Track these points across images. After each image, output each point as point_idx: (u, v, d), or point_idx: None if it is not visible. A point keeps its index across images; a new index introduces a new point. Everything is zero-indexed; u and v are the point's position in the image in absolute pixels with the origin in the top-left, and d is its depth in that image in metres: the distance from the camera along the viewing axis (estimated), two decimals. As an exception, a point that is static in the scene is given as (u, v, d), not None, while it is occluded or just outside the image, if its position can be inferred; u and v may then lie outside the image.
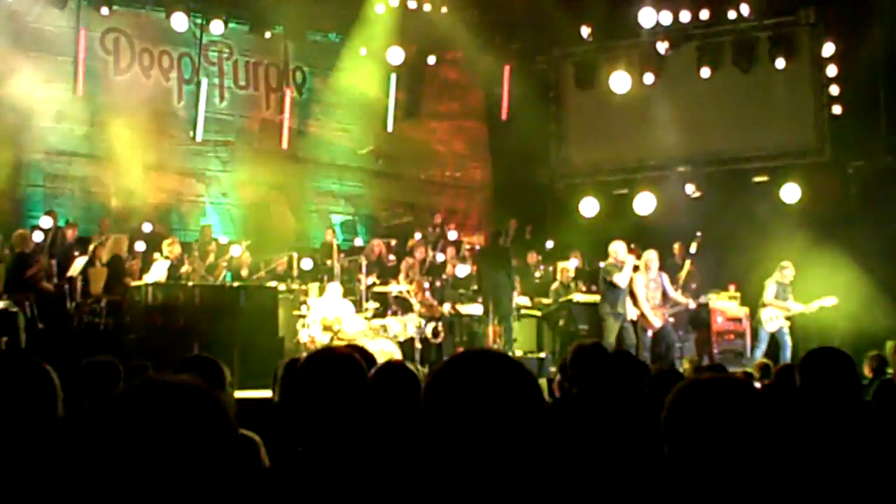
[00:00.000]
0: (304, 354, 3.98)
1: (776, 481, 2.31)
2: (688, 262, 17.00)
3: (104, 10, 18.30)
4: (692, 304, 15.82)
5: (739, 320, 17.25)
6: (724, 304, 17.36)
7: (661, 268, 15.51)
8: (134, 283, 15.26)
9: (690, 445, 2.36)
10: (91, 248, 16.25)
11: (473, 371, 2.28)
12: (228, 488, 1.95)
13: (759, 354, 15.39)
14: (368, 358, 4.78)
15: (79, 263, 15.77)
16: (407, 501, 2.65)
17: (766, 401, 2.40)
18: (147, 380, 1.99)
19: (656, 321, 15.10)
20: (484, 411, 2.21)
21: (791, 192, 17.77)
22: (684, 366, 14.05)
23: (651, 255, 15.26)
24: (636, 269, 15.10)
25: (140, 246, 16.89)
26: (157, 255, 16.07)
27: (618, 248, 15.01)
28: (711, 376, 2.53)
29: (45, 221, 16.60)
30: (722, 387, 2.43)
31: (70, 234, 17.01)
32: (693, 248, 17.28)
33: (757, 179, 19.64)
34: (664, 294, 15.28)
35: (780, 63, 19.15)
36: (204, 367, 4.88)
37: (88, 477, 1.91)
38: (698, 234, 17.29)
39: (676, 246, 17.86)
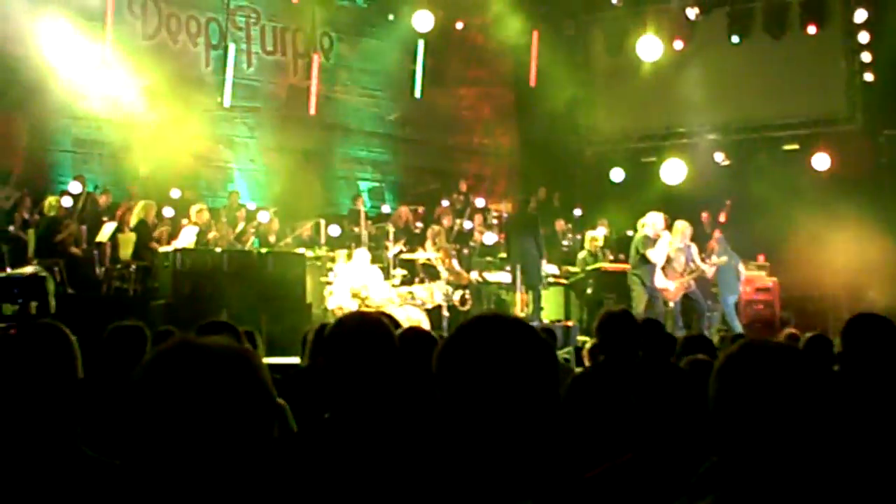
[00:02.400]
0: (333, 320, 3.96)
1: (825, 451, 2.26)
2: (716, 231, 16.89)
3: (133, -25, 18.32)
4: (708, 272, 15.56)
5: (768, 289, 17.16)
6: (753, 274, 17.26)
7: (691, 238, 15.34)
8: (162, 249, 15.31)
9: (739, 412, 2.31)
10: (119, 213, 16.31)
11: (485, 336, 2.24)
12: (265, 453, 1.93)
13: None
14: (396, 325, 4.77)
15: (108, 229, 15.83)
16: (428, 467, 2.63)
17: (814, 368, 2.35)
18: (180, 342, 1.97)
19: (670, 286, 14.87)
20: (495, 376, 2.17)
21: (822, 160, 17.64)
22: (712, 336, 14.01)
23: (681, 225, 15.07)
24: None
25: (168, 212, 16.92)
26: (185, 220, 16.12)
27: (655, 221, 14.76)
28: (762, 341, 2.48)
29: (74, 187, 16.64)
30: (774, 352, 2.38)
31: (101, 200, 17.07)
32: (722, 217, 17.17)
33: (787, 147, 19.50)
34: (689, 263, 15.09)
35: (812, 30, 18.96)
36: (229, 334, 4.86)
37: (125, 438, 1.90)
38: (727, 202, 17.18)
39: (704, 215, 17.75)
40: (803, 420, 2.26)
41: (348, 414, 3.20)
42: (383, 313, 5.86)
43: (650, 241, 14.65)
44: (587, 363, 8.22)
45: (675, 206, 16.24)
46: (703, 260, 15.41)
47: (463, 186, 21.17)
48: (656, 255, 14.58)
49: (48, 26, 16.99)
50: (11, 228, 15.69)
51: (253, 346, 6.31)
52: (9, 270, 13.99)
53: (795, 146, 19.28)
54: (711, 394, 2.35)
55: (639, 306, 14.29)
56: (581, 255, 17.49)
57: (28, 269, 13.70)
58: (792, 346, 2.52)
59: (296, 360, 8.24)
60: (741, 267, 16.07)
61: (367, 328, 3.36)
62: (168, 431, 1.85)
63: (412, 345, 4.17)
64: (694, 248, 15.21)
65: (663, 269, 14.84)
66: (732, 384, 2.34)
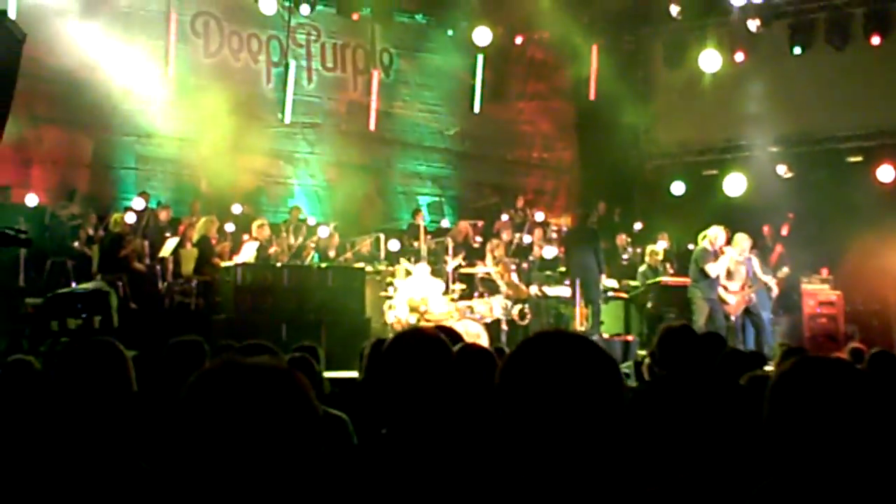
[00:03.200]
0: (391, 335, 3.98)
1: (880, 470, 2.22)
2: (778, 245, 16.71)
3: (194, -6, 18.56)
4: (772, 283, 15.35)
5: (832, 303, 16.94)
6: (816, 288, 17.05)
7: (752, 251, 15.15)
8: (224, 264, 15.44)
9: (793, 426, 2.27)
10: (181, 229, 16.48)
11: (549, 353, 2.24)
12: (311, 468, 1.94)
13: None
14: (456, 339, 4.76)
15: (170, 244, 16.01)
16: (487, 483, 2.61)
17: (873, 385, 2.31)
18: (225, 362, 1.99)
19: (731, 300, 14.71)
20: (559, 393, 2.17)
21: (886, 173, 17.37)
22: (774, 350, 13.83)
23: (740, 238, 14.89)
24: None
25: (229, 227, 17.07)
26: (246, 236, 16.26)
27: (718, 234, 14.64)
28: (818, 356, 2.44)
29: (138, 203, 16.85)
30: (829, 368, 2.34)
31: (163, 215, 17.26)
32: (784, 231, 16.98)
33: (851, 160, 19.24)
34: (751, 277, 14.89)
35: (876, 40, 18.71)
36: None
37: (169, 453, 1.92)
38: (790, 215, 16.98)
39: (766, 228, 17.57)
40: (859, 439, 2.22)
41: (405, 429, 3.20)
42: (443, 327, 5.86)
43: (710, 255, 14.51)
44: (646, 378, 8.16)
45: (736, 219, 16.06)
46: (765, 273, 15.23)
47: (520, 202, 21.13)
48: (715, 269, 14.43)
49: (112, 46, 17.23)
50: (76, 245, 15.91)
51: (315, 361, 6.35)
52: (73, 285, 14.19)
53: (859, 158, 19.02)
54: (766, 411, 2.32)
55: (699, 320, 14.15)
56: (641, 268, 17.39)
57: (92, 285, 13.87)
58: (848, 362, 2.49)
59: (354, 374, 8.27)
60: (772, 283, 15.75)
61: (425, 344, 3.36)
62: (212, 448, 1.87)
63: (468, 361, 4.16)
64: (756, 261, 15.02)
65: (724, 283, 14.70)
66: (786, 402, 2.31)
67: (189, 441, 1.90)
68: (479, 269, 16.26)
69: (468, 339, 5.50)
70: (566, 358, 2.21)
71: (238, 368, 1.96)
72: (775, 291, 15.63)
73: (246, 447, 1.87)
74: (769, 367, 6.20)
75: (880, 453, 2.23)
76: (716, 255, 14.51)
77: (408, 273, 15.42)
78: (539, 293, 16.68)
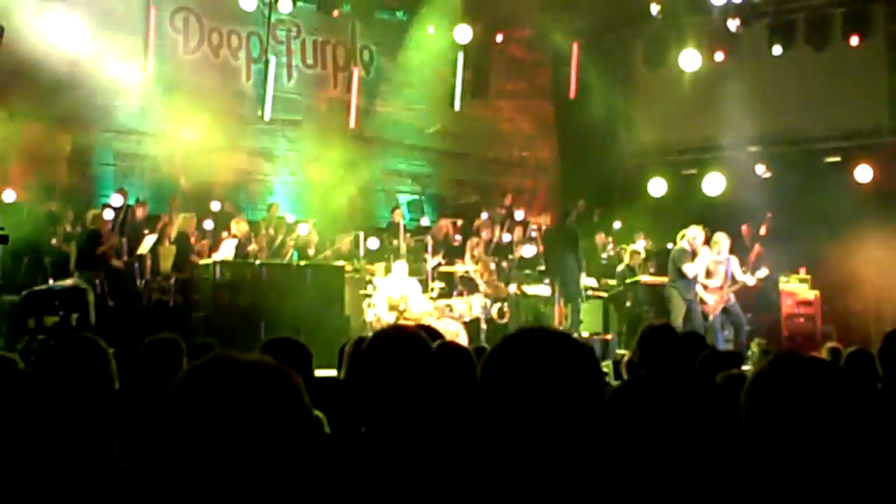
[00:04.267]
0: (371, 333, 3.96)
1: (857, 467, 2.22)
2: (756, 245, 16.75)
3: (174, -10, 18.49)
4: (751, 281, 15.35)
5: (810, 303, 17.00)
6: (794, 287, 17.11)
7: (730, 250, 15.16)
8: (202, 262, 15.39)
9: (769, 425, 2.27)
10: (160, 226, 16.41)
11: (531, 349, 2.23)
12: (299, 466, 1.92)
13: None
14: (436, 337, 4.75)
15: (148, 241, 15.94)
16: (467, 481, 2.61)
17: (850, 383, 2.31)
18: (217, 357, 1.97)
19: (709, 299, 14.72)
20: (540, 389, 2.16)
21: (864, 173, 17.44)
22: (752, 349, 13.88)
23: (720, 237, 14.92)
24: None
25: (208, 224, 17.02)
26: (224, 233, 16.21)
27: (696, 235, 14.63)
28: (795, 355, 2.44)
29: (116, 199, 16.77)
30: (806, 366, 2.34)
31: (140, 212, 17.18)
32: (762, 230, 17.02)
33: (829, 160, 19.31)
34: (731, 277, 14.90)
35: (855, 41, 18.78)
36: (289, 350, 4.88)
37: (157, 450, 1.90)
38: (768, 215, 17.03)
39: (745, 227, 17.62)
40: (836, 437, 2.22)
41: (384, 427, 3.19)
42: (423, 326, 5.85)
43: (687, 255, 14.53)
44: (625, 376, 8.16)
45: (715, 218, 16.10)
46: (744, 273, 15.24)
47: (507, 199, 21.14)
48: (692, 269, 14.43)
49: (91, 42, 17.13)
50: (54, 241, 15.82)
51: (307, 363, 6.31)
52: (51, 282, 14.11)
53: (837, 158, 19.08)
54: (742, 410, 2.32)
55: (677, 319, 14.17)
56: (619, 268, 17.42)
57: (69, 282, 13.80)
58: (825, 361, 2.49)
59: (333, 372, 8.24)
60: (751, 282, 15.71)
61: (405, 342, 3.35)
62: (201, 444, 1.85)
63: (446, 358, 4.15)
64: (734, 261, 15.02)
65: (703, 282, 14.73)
66: (763, 400, 2.31)
67: (176, 437, 1.88)
68: (459, 268, 16.27)
69: (447, 338, 5.50)
70: (548, 354, 2.21)
71: (229, 364, 1.94)
72: (751, 282, 15.55)
73: (235, 444, 1.85)
74: (746, 367, 6.22)
75: (857, 451, 2.23)
76: (693, 254, 14.53)
77: (387, 271, 15.41)
78: (518, 292, 16.69)
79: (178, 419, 1.89)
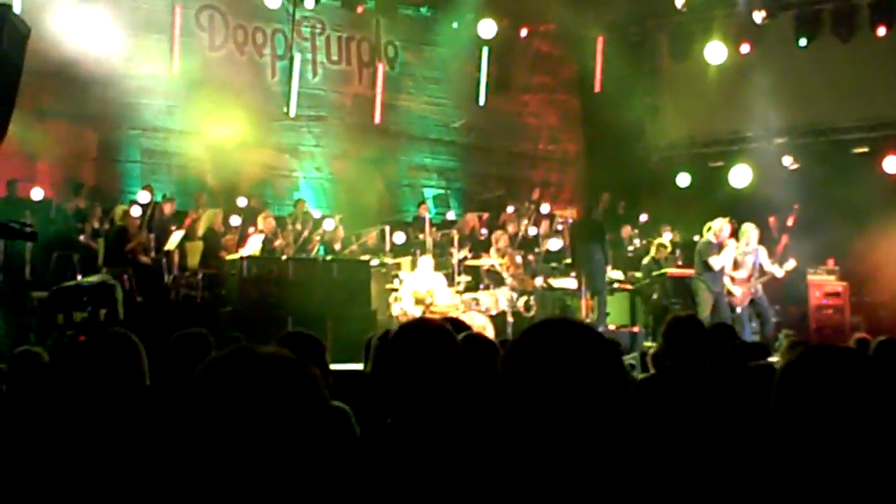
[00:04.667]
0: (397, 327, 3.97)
1: (890, 458, 2.21)
2: (784, 236, 16.67)
3: (199, -12, 18.56)
4: (779, 272, 15.24)
5: (838, 294, 16.92)
6: (822, 279, 17.03)
7: (759, 241, 15.05)
8: (229, 257, 15.45)
9: (800, 415, 2.26)
10: (187, 222, 16.49)
11: (551, 340, 2.23)
12: (319, 458, 1.94)
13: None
14: (462, 329, 4.76)
15: (176, 237, 16.02)
16: (491, 473, 2.62)
17: (880, 373, 2.30)
18: (236, 349, 1.99)
19: (736, 291, 14.62)
20: (561, 380, 2.16)
21: (892, 164, 17.32)
22: (780, 341, 13.82)
23: (748, 228, 14.81)
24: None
25: (235, 220, 17.08)
26: (251, 229, 16.27)
27: (722, 227, 14.58)
28: (825, 345, 2.43)
29: (143, 196, 16.85)
30: (836, 357, 2.33)
31: (167, 208, 17.26)
32: (790, 222, 16.94)
33: (857, 151, 19.20)
34: (759, 268, 14.80)
35: (882, 31, 18.65)
36: (303, 343, 4.90)
37: (178, 443, 1.92)
38: (795, 206, 16.94)
39: (772, 219, 17.53)
40: (867, 427, 2.21)
41: (410, 419, 3.20)
42: (449, 318, 5.86)
43: (713, 248, 14.45)
44: (651, 369, 8.15)
45: (742, 210, 16.03)
46: (772, 264, 15.15)
47: (535, 193, 21.13)
48: (718, 261, 14.34)
49: (117, 41, 17.22)
50: (82, 238, 15.92)
51: (321, 355, 6.34)
52: (79, 279, 14.21)
53: (865, 149, 18.97)
54: (773, 401, 2.31)
55: (704, 311, 14.11)
56: (645, 260, 17.37)
57: (97, 278, 13.89)
58: (855, 351, 2.48)
59: (360, 366, 8.26)
60: (780, 274, 15.60)
61: (430, 334, 3.35)
62: (221, 436, 1.87)
63: (472, 350, 4.16)
64: (763, 252, 14.91)
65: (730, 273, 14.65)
66: (794, 391, 2.30)
67: (197, 428, 1.90)
68: (485, 262, 16.26)
69: (474, 330, 5.49)
70: (568, 345, 2.21)
71: (247, 356, 1.96)
72: (780, 274, 15.42)
73: (254, 435, 1.86)
74: (773, 358, 6.19)
75: (888, 440, 2.22)
76: (720, 247, 14.45)
77: (413, 265, 15.43)
78: (544, 285, 16.67)
79: (198, 410, 1.91)
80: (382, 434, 3.25)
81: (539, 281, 16.59)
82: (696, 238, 15.53)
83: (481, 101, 22.15)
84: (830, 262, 17.30)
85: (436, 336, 3.34)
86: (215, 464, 1.87)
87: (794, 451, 2.27)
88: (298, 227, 17.37)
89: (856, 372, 2.28)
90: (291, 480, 1.89)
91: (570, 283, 16.46)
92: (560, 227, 18.83)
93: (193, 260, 16.04)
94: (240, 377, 1.91)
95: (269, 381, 1.91)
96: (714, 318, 13.68)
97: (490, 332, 13.59)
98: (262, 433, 1.86)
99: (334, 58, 21.06)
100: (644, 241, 18.71)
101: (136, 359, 3.53)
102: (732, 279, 14.58)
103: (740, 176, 16.77)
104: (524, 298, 15.67)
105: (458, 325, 5.00)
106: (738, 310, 14.65)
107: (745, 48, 19.74)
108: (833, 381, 2.26)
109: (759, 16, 19.30)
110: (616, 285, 16.89)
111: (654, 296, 16.74)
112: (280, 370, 1.94)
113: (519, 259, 16.41)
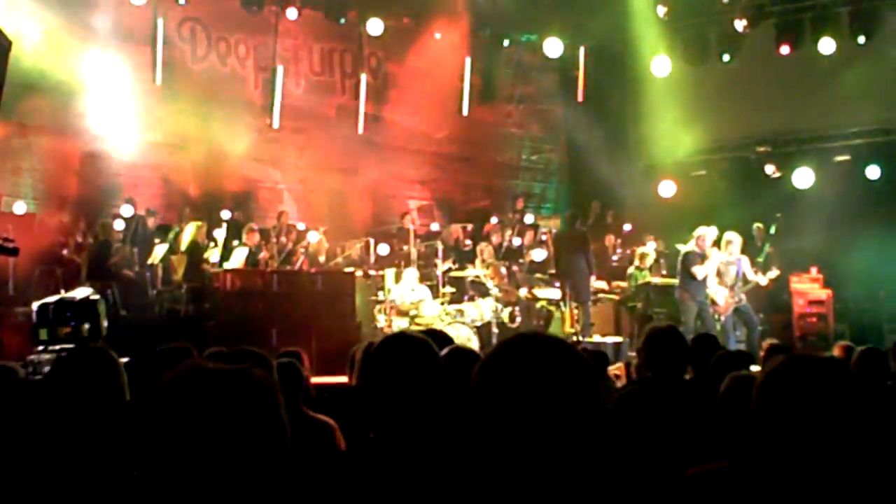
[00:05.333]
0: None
1: (869, 465, 2.22)
2: (767, 245, 16.72)
3: (181, 0, 18.50)
4: (763, 281, 15.29)
5: (822, 303, 16.96)
6: (806, 286, 17.08)
7: (742, 250, 15.09)
8: (213, 270, 15.43)
9: (779, 424, 2.27)
10: (170, 235, 16.45)
11: (524, 354, 2.23)
12: (280, 470, 1.95)
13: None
14: (446, 342, 4.75)
15: (159, 251, 15.99)
16: (472, 486, 2.62)
17: (859, 382, 2.31)
18: (191, 366, 2.00)
19: (720, 300, 14.65)
20: (533, 394, 2.16)
21: (874, 171, 17.41)
22: (763, 349, 13.84)
23: (731, 237, 14.85)
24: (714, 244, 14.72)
25: (219, 233, 17.05)
26: (235, 242, 16.24)
27: (706, 236, 14.63)
28: (805, 354, 2.44)
29: (126, 210, 16.82)
30: (816, 366, 2.34)
31: (151, 222, 17.23)
32: (773, 230, 16.99)
33: (839, 159, 19.25)
34: (741, 277, 14.83)
35: (862, 39, 18.72)
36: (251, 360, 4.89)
37: (142, 459, 1.94)
38: (778, 215, 16.99)
39: (756, 227, 17.58)
40: (846, 436, 2.22)
41: (393, 433, 3.20)
42: (433, 331, 5.85)
43: (697, 257, 14.48)
44: (635, 378, 8.17)
45: (725, 218, 16.07)
46: (755, 273, 15.19)
47: (519, 203, 21.16)
48: (702, 271, 14.37)
49: (98, 54, 17.20)
50: (65, 252, 15.87)
51: (300, 364, 6.34)
52: (62, 293, 14.15)
53: (847, 157, 19.05)
54: (753, 410, 2.32)
55: (688, 321, 14.15)
56: (630, 269, 17.40)
57: (80, 292, 13.83)
58: (836, 360, 2.49)
59: (344, 379, 8.26)
60: (763, 282, 15.66)
61: (411, 347, 3.35)
62: (175, 453, 1.88)
63: (456, 364, 4.16)
64: (745, 261, 14.96)
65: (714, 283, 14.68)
66: (774, 400, 2.30)
67: (153, 447, 1.91)
68: (470, 272, 16.27)
69: (459, 342, 5.50)
70: (540, 360, 2.21)
71: (196, 374, 1.97)
72: (763, 282, 15.48)
73: (208, 451, 1.88)
74: (755, 368, 6.21)
75: (867, 450, 2.23)
76: (703, 256, 14.48)
77: (398, 277, 15.43)
78: (529, 295, 16.69)
79: (151, 429, 1.94)
80: (365, 448, 3.25)
81: (524, 291, 16.61)
82: (680, 247, 15.56)
83: (464, 112, 22.14)
84: (814, 270, 17.35)
85: (415, 349, 3.34)
86: (173, 480, 1.88)
87: (774, 459, 2.28)
88: (283, 239, 17.35)
89: (835, 381, 2.29)
90: (252, 494, 1.90)
91: (554, 293, 16.47)
92: (544, 238, 18.85)
93: (177, 273, 16.02)
94: (191, 394, 1.93)
95: (216, 397, 1.92)
96: (698, 328, 13.71)
97: (475, 344, 13.60)
98: (214, 448, 1.88)
99: (317, 69, 21.06)
100: (628, 251, 18.74)
101: (114, 374, 3.53)
102: (717, 287, 14.61)
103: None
104: (509, 309, 15.69)
105: (442, 337, 4.99)
106: (723, 318, 14.69)
107: (725, 57, 19.80)
108: (813, 390, 2.26)
109: (740, 24, 19.33)
110: (600, 295, 16.91)
111: (639, 305, 16.77)
112: (227, 385, 1.95)
113: (503, 270, 16.43)
